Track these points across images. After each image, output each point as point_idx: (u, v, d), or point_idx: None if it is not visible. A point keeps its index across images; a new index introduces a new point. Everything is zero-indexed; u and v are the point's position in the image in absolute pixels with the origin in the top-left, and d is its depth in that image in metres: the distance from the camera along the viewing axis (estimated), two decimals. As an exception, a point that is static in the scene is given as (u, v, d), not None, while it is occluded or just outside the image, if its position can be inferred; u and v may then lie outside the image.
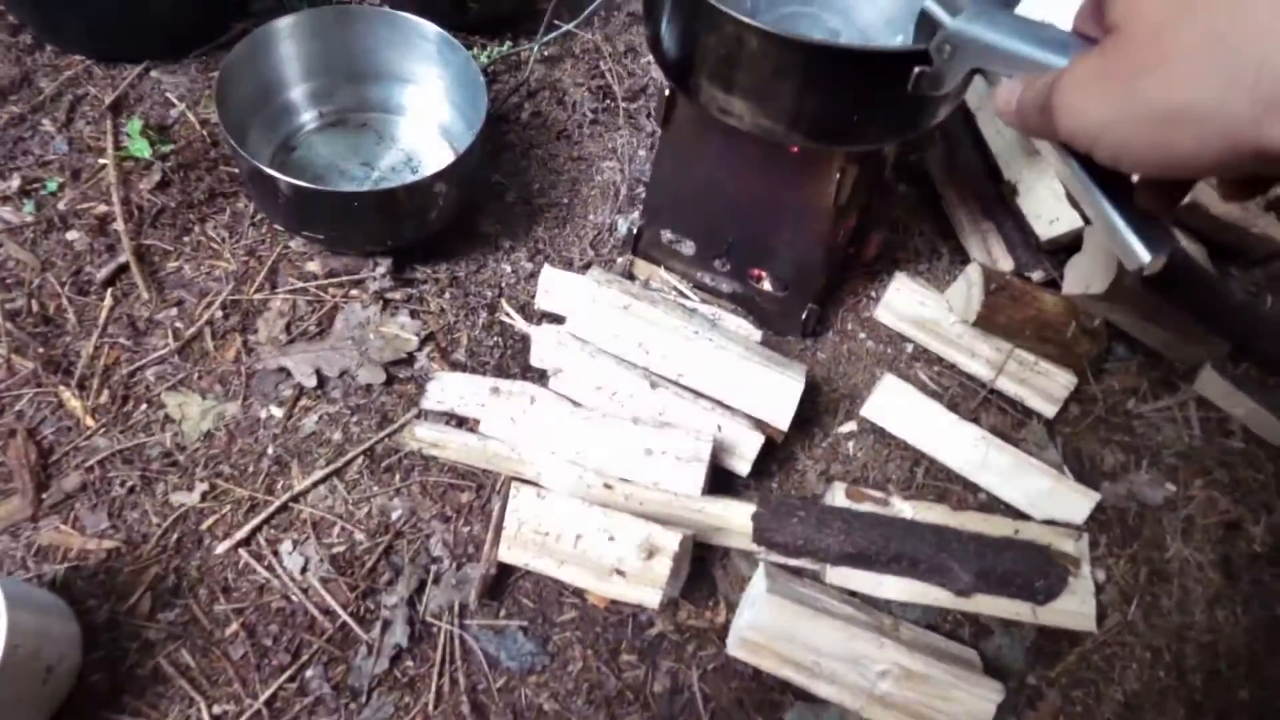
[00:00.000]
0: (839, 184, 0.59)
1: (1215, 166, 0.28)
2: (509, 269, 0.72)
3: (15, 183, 0.70)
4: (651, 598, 0.51)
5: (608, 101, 0.84)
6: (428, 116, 0.76)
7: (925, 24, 0.43)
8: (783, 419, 0.60)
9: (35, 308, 0.65)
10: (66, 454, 0.60)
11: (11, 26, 0.78)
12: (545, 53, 0.86)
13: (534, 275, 0.71)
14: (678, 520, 0.55)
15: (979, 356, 0.72)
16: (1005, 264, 0.76)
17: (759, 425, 0.59)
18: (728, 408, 0.59)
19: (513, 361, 0.66)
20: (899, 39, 0.61)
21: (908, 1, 0.61)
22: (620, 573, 0.52)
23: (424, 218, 0.66)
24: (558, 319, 0.66)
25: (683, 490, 0.54)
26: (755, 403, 0.60)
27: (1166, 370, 0.77)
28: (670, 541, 0.53)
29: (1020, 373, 0.72)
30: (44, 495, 0.58)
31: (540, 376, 0.64)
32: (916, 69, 0.43)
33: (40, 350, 0.63)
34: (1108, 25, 0.31)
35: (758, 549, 0.58)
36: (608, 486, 0.55)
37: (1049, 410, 0.72)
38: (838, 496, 0.62)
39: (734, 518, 0.56)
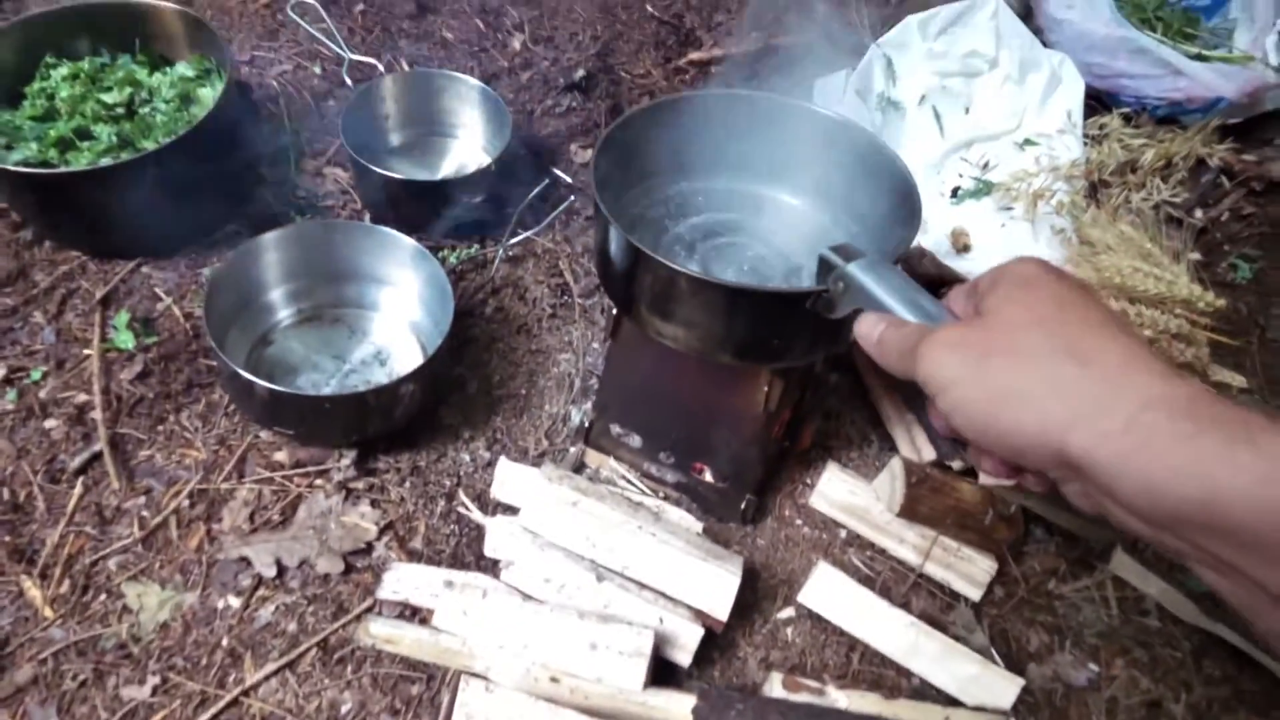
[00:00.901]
0: (768, 393, 0.71)
1: (1024, 448, 0.38)
2: (468, 458, 0.81)
3: (1, 371, 0.79)
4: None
5: (565, 297, 0.98)
6: (399, 313, 0.89)
7: (824, 264, 0.57)
8: (721, 610, 0.68)
9: (5, 495, 0.72)
10: (22, 645, 0.65)
11: (14, 224, 0.90)
12: (510, 253, 1.01)
13: (491, 464, 0.81)
14: (622, 715, 0.62)
15: (906, 542, 0.83)
16: (928, 453, 0.88)
17: (699, 616, 0.68)
18: (670, 599, 0.68)
19: (468, 550, 0.74)
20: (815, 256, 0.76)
21: (817, 226, 0.77)
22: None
23: (390, 415, 0.76)
24: (512, 509, 0.75)
25: (625, 685, 0.61)
26: (695, 594, 0.68)
27: (1083, 551, 0.89)
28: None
29: (945, 558, 0.83)
30: (-6, 689, 0.63)
31: (494, 566, 0.72)
32: (813, 294, 0.57)
33: (6, 539, 0.70)
34: (979, 310, 0.42)
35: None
36: (554, 681, 0.62)
37: (974, 594, 0.82)
38: (775, 687, 0.69)
39: (676, 711, 0.64)
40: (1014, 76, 1.12)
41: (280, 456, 0.78)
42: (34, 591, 0.68)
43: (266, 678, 0.66)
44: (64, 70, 0.96)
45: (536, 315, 0.97)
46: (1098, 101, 1.24)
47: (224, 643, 0.67)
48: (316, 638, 0.68)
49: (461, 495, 0.77)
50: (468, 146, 1.10)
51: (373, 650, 0.68)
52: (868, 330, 0.47)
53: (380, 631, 0.66)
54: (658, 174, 0.77)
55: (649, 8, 1.30)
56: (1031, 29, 1.15)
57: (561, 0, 1.26)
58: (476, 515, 0.75)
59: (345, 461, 0.77)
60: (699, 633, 0.67)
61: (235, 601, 0.69)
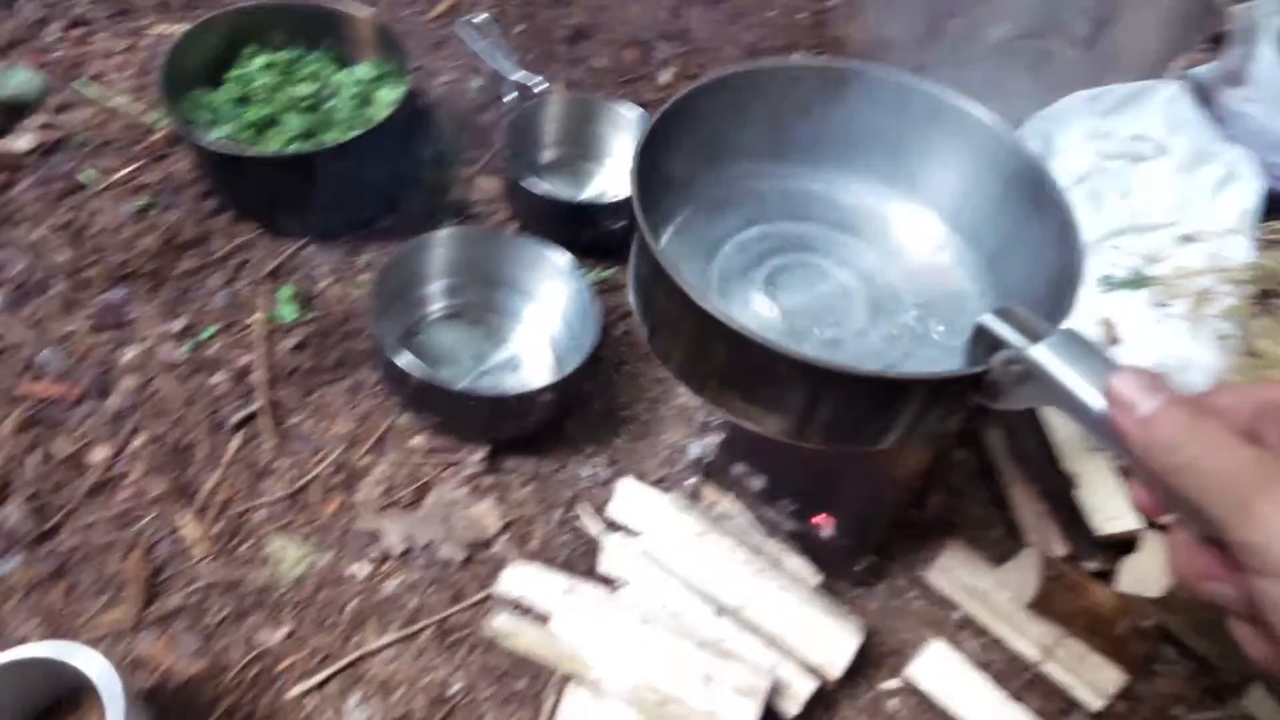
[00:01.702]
0: (903, 454, 0.80)
1: None
2: (587, 473, 0.93)
3: (179, 325, 0.95)
4: None
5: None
6: (538, 324, 1.02)
7: (986, 337, 0.47)
8: (836, 668, 0.76)
9: (173, 437, 0.87)
10: (175, 574, 0.79)
11: (201, 193, 1.08)
12: (648, 281, 1.13)
13: (608, 482, 0.92)
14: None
15: (1027, 636, 0.89)
16: (1060, 549, 0.94)
17: (811, 670, 0.76)
18: (783, 647, 0.77)
19: (580, 561, 0.85)
20: (920, 299, 0.66)
21: (931, 262, 0.68)
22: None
23: (525, 420, 0.89)
24: (625, 529, 0.86)
25: None
26: (812, 647, 0.77)
27: (1217, 681, 0.92)
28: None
29: (1069, 661, 0.88)
30: (148, 610, 0.77)
31: (604, 581, 0.82)
32: (963, 379, 0.49)
33: (170, 476, 0.85)
34: None
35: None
36: (662, 704, 0.72)
37: (1095, 704, 0.87)
38: (872, 752, 0.77)
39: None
40: (1184, 166, 1.17)
41: (416, 441, 0.91)
42: (190, 528, 0.82)
43: (385, 646, 0.78)
44: (262, 60, 1.15)
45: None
46: (1275, 204, 1.28)
47: (350, 606, 0.80)
48: (434, 617, 0.80)
49: (581, 508, 0.88)
50: (614, 172, 1.24)
51: (486, 640, 0.79)
52: (1141, 397, 0.37)
53: (503, 625, 0.76)
54: (722, 161, 0.69)
55: (793, 56, 1.43)
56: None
57: (711, 40, 1.41)
58: (593, 529, 0.86)
59: (476, 457, 0.89)
60: (812, 686, 0.75)
61: (364, 570, 0.82)
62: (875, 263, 0.68)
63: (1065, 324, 0.48)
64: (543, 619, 0.77)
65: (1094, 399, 0.41)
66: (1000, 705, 0.82)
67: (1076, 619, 0.88)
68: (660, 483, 0.92)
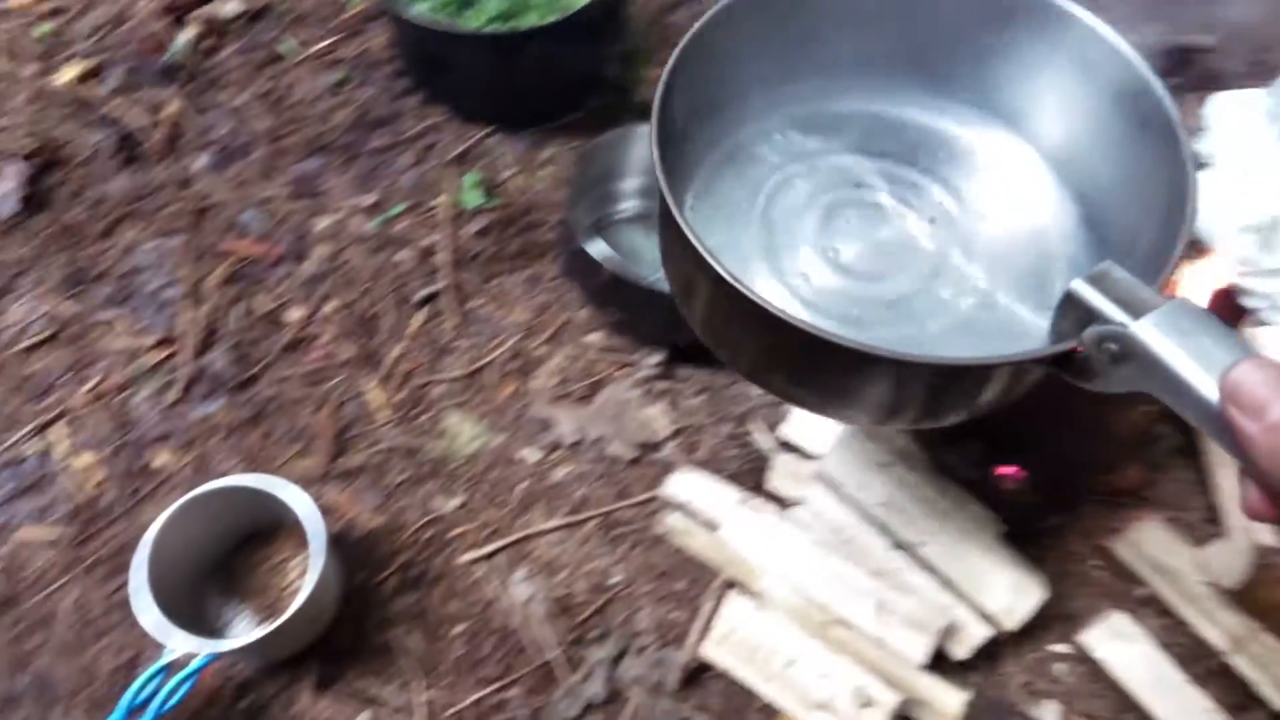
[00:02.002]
0: (1108, 423, 0.78)
1: None
2: (759, 392, 0.94)
3: (369, 200, 1.02)
4: None
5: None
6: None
7: (1077, 305, 0.42)
8: (1014, 618, 0.76)
9: (361, 308, 0.94)
10: (360, 434, 0.86)
11: (395, 72, 1.13)
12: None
13: (780, 402, 0.93)
14: (888, 679, 0.72)
15: (1218, 624, 0.86)
16: (1268, 539, 0.91)
17: (986, 617, 0.77)
18: (959, 591, 0.77)
19: (748, 477, 0.87)
20: (995, 252, 0.59)
21: (1019, 200, 0.61)
22: (827, 709, 0.70)
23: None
24: (799, 450, 0.87)
25: (906, 654, 0.71)
26: (990, 595, 0.77)
27: None
28: (889, 699, 0.70)
29: (1261, 656, 0.85)
30: (335, 463, 0.84)
31: (772, 499, 0.84)
32: (1048, 358, 0.44)
33: (358, 343, 0.91)
34: None
35: (950, 731, 0.74)
36: (828, 624, 0.74)
37: None
38: (1049, 718, 0.77)
39: (941, 700, 0.73)
40: None
41: (592, 338, 0.95)
42: (375, 394, 0.89)
43: (551, 530, 0.83)
44: (465, -61, 1.19)
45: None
46: None
47: (520, 488, 0.85)
48: (599, 510, 0.84)
49: (754, 424, 0.90)
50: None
51: (649, 538, 0.83)
52: (1269, 396, 0.32)
53: (677, 523, 0.80)
54: (769, 82, 0.63)
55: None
56: None
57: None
58: (766, 446, 0.88)
59: (652, 360, 0.92)
60: (986, 633, 0.75)
61: (534, 455, 0.87)
62: (947, 205, 0.61)
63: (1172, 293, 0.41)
64: (710, 526, 0.80)
65: (1211, 390, 0.35)
66: (1178, 686, 0.81)
67: (1276, 615, 0.85)
68: (834, 410, 0.93)
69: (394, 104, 1.11)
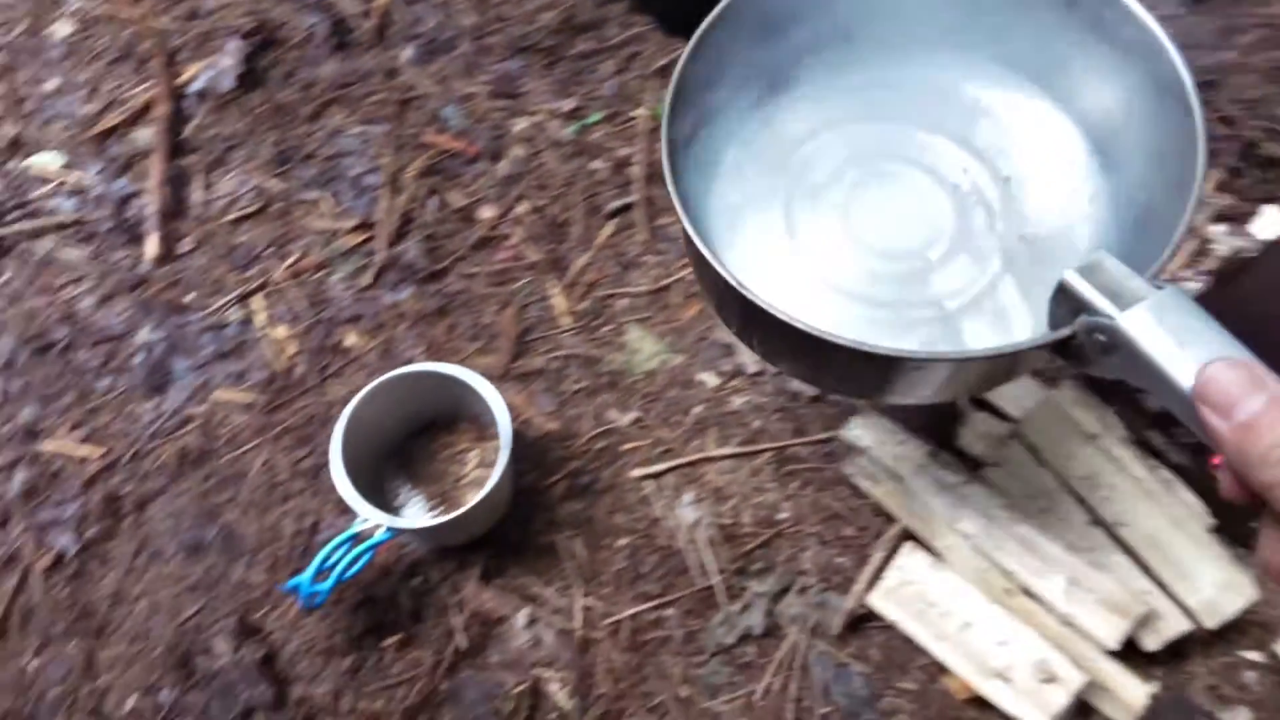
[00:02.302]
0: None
1: None
2: (952, 346, 0.93)
3: (568, 105, 1.04)
4: (1036, 719, 0.68)
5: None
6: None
7: (1069, 297, 0.43)
8: (1216, 617, 0.73)
9: (552, 213, 0.97)
10: (541, 338, 0.90)
11: (601, -23, 1.15)
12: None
13: (974, 362, 0.91)
14: (1072, 658, 0.71)
15: None
16: None
17: (1186, 611, 0.74)
18: (1158, 579, 0.74)
19: (930, 431, 0.86)
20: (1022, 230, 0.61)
21: (1048, 158, 0.62)
22: (1004, 678, 0.69)
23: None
24: (995, 410, 0.85)
25: (1096, 637, 0.70)
26: (1192, 588, 0.73)
27: None
28: (1074, 678, 0.68)
29: None
30: (515, 363, 0.88)
31: (960, 456, 0.83)
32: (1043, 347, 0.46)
33: (546, 248, 0.95)
34: None
35: (1130, 725, 0.72)
36: (1010, 592, 0.73)
37: None
38: None
39: (1124, 690, 0.71)
40: None
41: (781, 270, 0.95)
42: (559, 299, 0.92)
43: (724, 457, 0.84)
44: None
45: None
46: None
47: (696, 410, 0.86)
48: (774, 443, 0.85)
49: (944, 377, 0.89)
50: None
51: (821, 478, 0.83)
52: (1238, 395, 0.35)
53: (865, 467, 0.80)
54: (787, 50, 0.65)
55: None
56: None
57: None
58: (959, 402, 0.86)
59: (842, 298, 0.92)
60: (1183, 627, 0.72)
61: (713, 380, 0.88)
62: (976, 178, 0.63)
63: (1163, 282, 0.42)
64: (893, 475, 0.79)
65: (1190, 383, 0.37)
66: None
67: None
68: (1039, 373, 0.90)
69: (600, 10, 1.12)
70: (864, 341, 0.48)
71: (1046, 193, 0.62)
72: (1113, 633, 0.69)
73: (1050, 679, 0.68)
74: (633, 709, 0.76)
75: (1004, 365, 0.54)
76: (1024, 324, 0.58)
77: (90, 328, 0.95)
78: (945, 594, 0.74)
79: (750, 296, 0.50)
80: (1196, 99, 0.51)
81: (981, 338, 0.58)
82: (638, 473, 0.83)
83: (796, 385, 0.87)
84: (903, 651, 0.77)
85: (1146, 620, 0.72)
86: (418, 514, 0.82)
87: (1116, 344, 0.41)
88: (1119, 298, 0.41)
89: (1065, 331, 0.44)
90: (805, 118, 0.66)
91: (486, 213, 0.97)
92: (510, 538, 0.81)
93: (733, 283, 0.51)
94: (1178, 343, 0.38)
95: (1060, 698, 0.68)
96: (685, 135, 0.61)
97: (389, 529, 0.73)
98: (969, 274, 0.60)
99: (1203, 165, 0.50)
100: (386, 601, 0.80)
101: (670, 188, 0.55)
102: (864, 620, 0.78)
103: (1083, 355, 0.44)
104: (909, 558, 0.76)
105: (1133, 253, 0.49)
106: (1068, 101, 0.62)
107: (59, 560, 0.85)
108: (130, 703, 0.80)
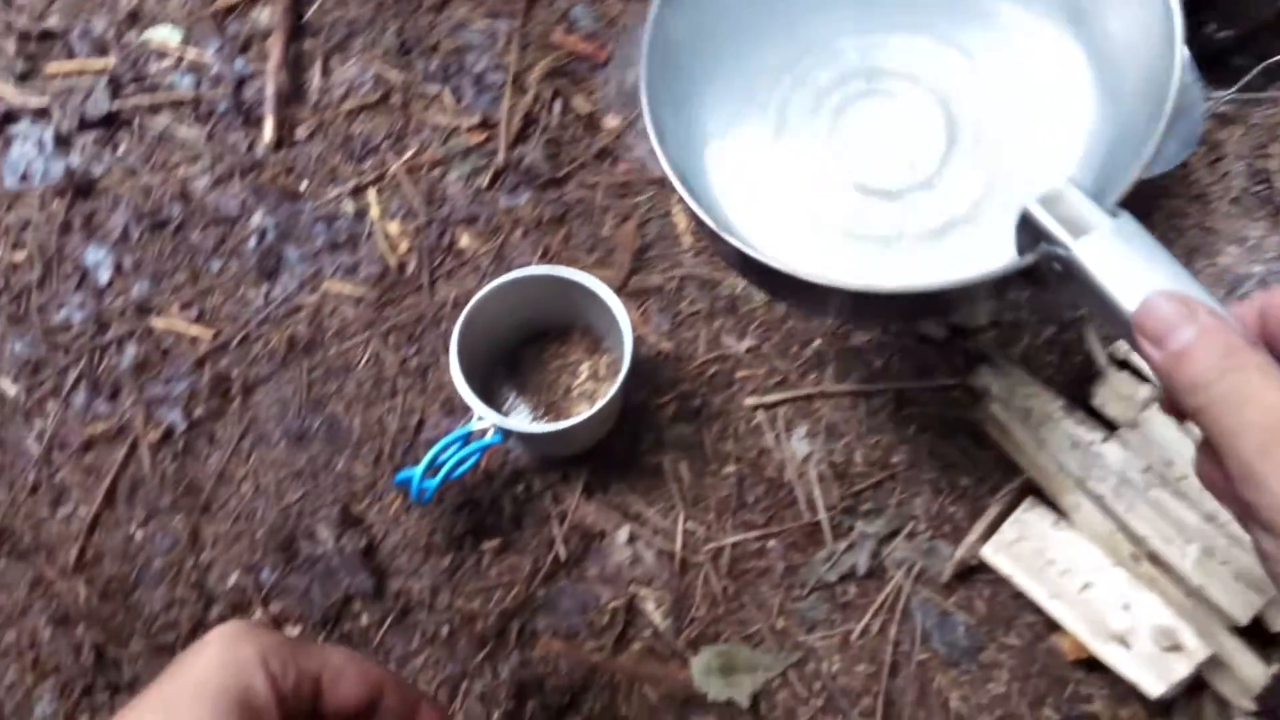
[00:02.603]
0: None
1: None
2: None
3: (700, 14, 1.03)
4: (1154, 687, 0.68)
5: (1263, 186, 1.00)
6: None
7: (1030, 227, 0.46)
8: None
9: (677, 125, 0.97)
10: (657, 256, 0.91)
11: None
12: (1219, 108, 1.04)
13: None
14: (1197, 628, 0.71)
15: None
16: None
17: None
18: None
19: (1062, 387, 0.86)
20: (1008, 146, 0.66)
21: (1039, 67, 0.67)
22: (1123, 643, 0.70)
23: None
24: (1135, 370, 0.84)
25: (1226, 611, 0.69)
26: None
27: None
28: (1199, 650, 0.68)
29: None
30: (631, 279, 0.90)
31: (1094, 415, 0.83)
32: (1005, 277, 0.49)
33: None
34: None
35: (1245, 705, 0.72)
36: (1135, 557, 0.73)
37: None
38: (1354, 711, 0.74)
39: (1248, 669, 0.71)
40: None
41: (914, 205, 0.95)
42: (680, 217, 0.92)
43: (840, 394, 0.85)
44: None
45: (1218, 191, 1.01)
46: None
47: (815, 344, 0.86)
48: (895, 384, 0.85)
49: (1087, 330, 0.87)
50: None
51: (940, 423, 0.84)
52: (1171, 327, 0.39)
53: (999, 414, 0.79)
54: None
55: None
56: None
57: None
58: (1099, 359, 0.85)
59: (978, 240, 0.91)
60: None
61: (831, 322, 0.89)
62: (971, 93, 0.67)
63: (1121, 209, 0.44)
64: (1022, 427, 0.79)
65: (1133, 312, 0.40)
66: None
67: None
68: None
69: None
70: (826, 276, 0.55)
71: (1042, 116, 0.65)
72: (1244, 608, 0.69)
73: (1175, 647, 0.69)
74: (727, 634, 0.78)
75: (982, 290, 0.54)
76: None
77: (204, 208, 0.98)
78: (1066, 553, 0.74)
79: (727, 238, 0.57)
80: (1181, 32, 0.51)
81: (969, 259, 0.57)
82: (750, 401, 0.84)
83: (925, 327, 0.87)
84: (1010, 606, 0.78)
85: (1276, 600, 0.72)
86: (523, 421, 0.84)
87: (1071, 273, 0.43)
88: (1076, 226, 0.43)
89: (1028, 260, 0.47)
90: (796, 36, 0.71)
91: (611, 122, 0.97)
92: (616, 454, 0.83)
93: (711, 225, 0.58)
94: (1124, 272, 0.41)
95: (1182, 668, 0.68)
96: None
97: (499, 432, 0.76)
98: (956, 194, 0.65)
99: (1173, 99, 0.50)
100: (488, 506, 0.83)
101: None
102: (973, 572, 0.79)
103: (1047, 282, 0.47)
104: (1029, 513, 0.76)
105: (1110, 180, 0.51)
106: (1077, 25, 0.64)
107: (167, 435, 0.90)
108: (232, 579, 0.85)
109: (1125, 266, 0.41)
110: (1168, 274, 0.41)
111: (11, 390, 0.94)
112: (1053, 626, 0.75)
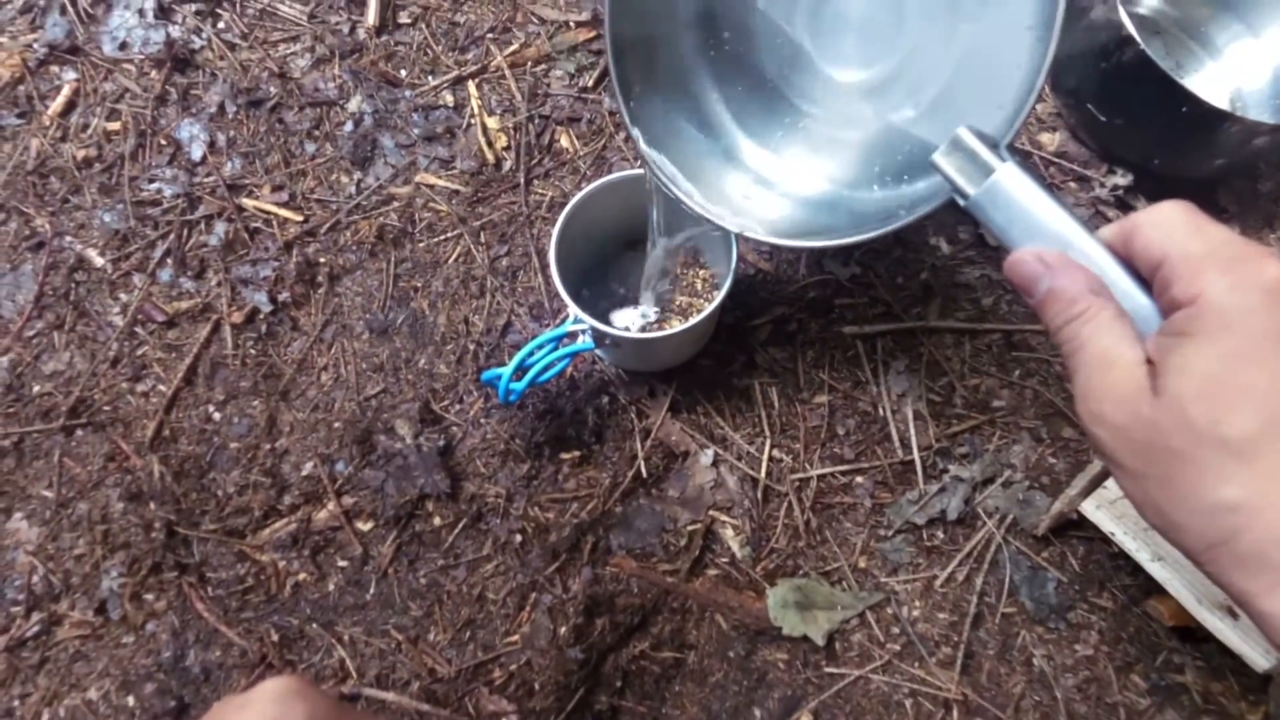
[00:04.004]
0: None
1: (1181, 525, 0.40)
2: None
3: None
4: (1261, 660, 0.68)
5: None
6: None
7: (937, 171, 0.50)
8: None
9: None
10: (765, 173, 0.91)
11: None
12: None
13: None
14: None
15: None
16: None
17: None
18: None
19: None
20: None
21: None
22: (1233, 614, 0.70)
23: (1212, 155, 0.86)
24: None
25: None
26: None
27: None
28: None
29: None
30: (735, 195, 0.90)
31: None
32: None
33: (784, 74, 0.95)
34: (1183, 296, 0.40)
35: (1347, 685, 0.72)
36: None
37: None
38: None
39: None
40: None
41: (1043, 138, 0.93)
42: (790, 133, 0.93)
43: (946, 329, 0.84)
44: None
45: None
46: None
47: (923, 275, 0.86)
48: (1003, 325, 0.85)
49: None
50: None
51: (1048, 370, 0.83)
52: (1036, 278, 0.45)
53: None
54: None
55: None
56: None
57: None
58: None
59: (1114, 181, 0.89)
60: None
61: (946, 247, 0.87)
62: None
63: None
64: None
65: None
66: None
67: None
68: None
69: None
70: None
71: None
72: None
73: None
74: (806, 569, 0.80)
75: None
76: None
77: (301, 89, 1.01)
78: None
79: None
80: None
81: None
82: (849, 330, 0.85)
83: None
84: (1105, 566, 0.78)
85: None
86: (619, 329, 0.86)
87: (976, 219, 0.49)
88: (971, 176, 0.48)
89: (936, 204, 0.53)
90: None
91: (725, 26, 0.97)
92: (705, 374, 0.85)
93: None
94: (1006, 221, 0.47)
95: (1291, 648, 0.68)
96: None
97: (590, 340, 0.77)
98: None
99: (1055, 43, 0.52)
100: (571, 416, 0.86)
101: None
102: (1069, 527, 0.79)
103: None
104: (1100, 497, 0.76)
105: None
106: None
107: (251, 318, 0.94)
108: (307, 468, 0.89)
109: (1006, 217, 0.47)
110: (1039, 223, 0.46)
111: (99, 261, 0.99)
112: (1151, 590, 0.76)
